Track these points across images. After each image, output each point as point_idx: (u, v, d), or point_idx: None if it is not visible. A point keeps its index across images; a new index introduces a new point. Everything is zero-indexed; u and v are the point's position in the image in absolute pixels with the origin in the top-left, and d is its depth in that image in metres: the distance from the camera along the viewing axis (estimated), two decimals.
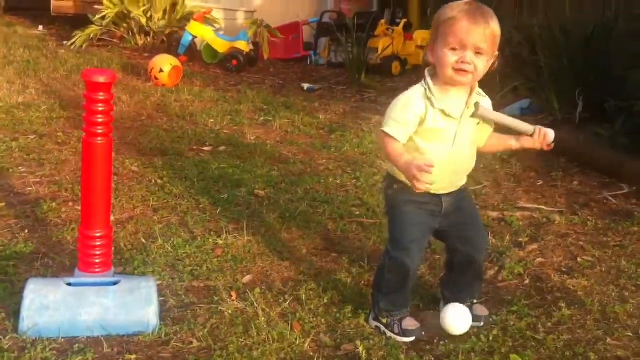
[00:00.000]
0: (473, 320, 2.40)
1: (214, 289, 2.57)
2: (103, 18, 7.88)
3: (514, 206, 3.65)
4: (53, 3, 10.33)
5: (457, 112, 2.21)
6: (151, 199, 3.39)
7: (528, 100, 5.79)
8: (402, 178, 2.22)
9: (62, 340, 2.14)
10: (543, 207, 3.65)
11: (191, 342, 2.21)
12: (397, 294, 2.35)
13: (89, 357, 2.08)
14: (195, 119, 5.14)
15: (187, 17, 7.91)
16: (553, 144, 2.29)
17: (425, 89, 2.21)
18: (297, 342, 2.24)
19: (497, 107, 2.36)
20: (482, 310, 2.45)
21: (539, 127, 2.29)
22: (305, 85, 6.97)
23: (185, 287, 2.57)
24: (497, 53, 2.20)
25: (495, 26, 2.14)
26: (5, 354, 2.05)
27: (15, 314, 2.19)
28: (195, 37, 7.59)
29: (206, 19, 7.74)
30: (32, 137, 4.22)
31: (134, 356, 2.11)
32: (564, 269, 2.94)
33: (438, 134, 2.22)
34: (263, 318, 2.36)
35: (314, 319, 2.40)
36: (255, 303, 2.45)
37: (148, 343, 2.18)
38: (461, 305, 2.35)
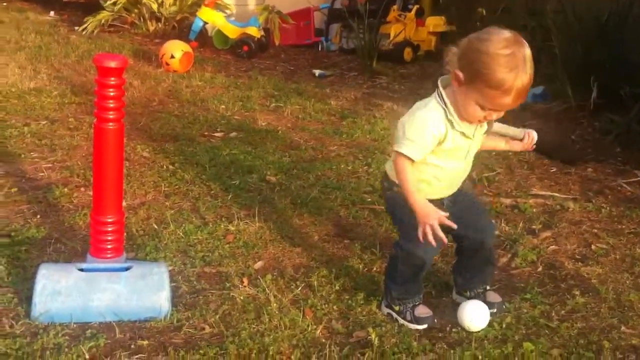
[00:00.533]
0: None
1: (225, 275, 2.56)
2: (114, 4, 7.86)
3: (527, 193, 3.62)
4: None
5: (471, 132, 2.19)
6: (163, 184, 3.38)
7: (541, 87, 5.73)
8: None
9: (75, 325, 2.15)
10: (557, 194, 3.62)
11: (203, 328, 2.21)
12: (411, 283, 2.34)
13: (101, 343, 2.08)
14: (207, 104, 5.12)
15: (198, 3, 7.86)
16: (535, 145, 2.38)
17: (445, 111, 2.13)
18: (309, 328, 2.24)
19: None
20: (495, 297, 2.44)
21: (526, 130, 2.37)
22: (317, 72, 6.92)
23: (197, 273, 2.57)
24: None
25: (531, 74, 2.04)
26: (18, 339, 2.06)
27: (28, 299, 2.19)
28: (206, 23, 7.55)
29: (217, 5, 7.69)
30: (43, 123, 4.22)
31: (146, 342, 2.12)
32: (577, 257, 2.91)
33: (454, 153, 2.20)
34: (275, 304, 2.35)
35: (326, 305, 2.39)
36: (267, 289, 2.44)
37: (160, 329, 2.18)
38: (479, 301, 2.33)
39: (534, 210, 3.39)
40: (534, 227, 3.18)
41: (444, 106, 2.13)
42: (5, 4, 10.49)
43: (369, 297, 2.45)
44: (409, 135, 2.12)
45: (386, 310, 2.38)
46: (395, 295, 2.34)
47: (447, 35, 7.62)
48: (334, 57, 8.07)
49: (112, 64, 2.17)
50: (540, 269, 2.79)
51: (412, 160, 2.13)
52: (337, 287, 2.51)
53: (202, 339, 2.15)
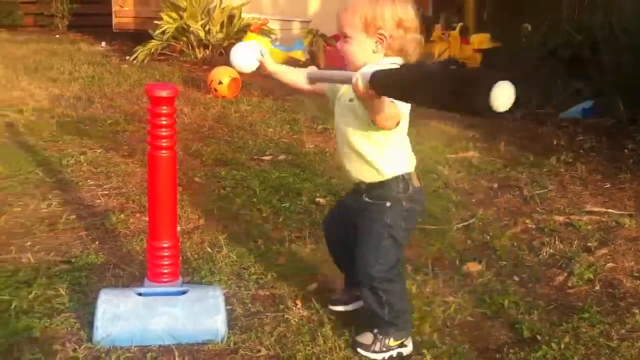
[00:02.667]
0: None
1: (279, 297, 2.59)
2: (163, 33, 8.07)
3: (581, 210, 3.57)
4: (114, 20, 10.64)
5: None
6: (215, 209, 3.44)
7: (591, 101, 5.65)
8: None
9: (135, 349, 2.19)
10: (611, 210, 3.56)
11: (259, 350, 2.23)
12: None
13: None
14: (255, 129, 5.20)
15: (244, 29, 8.02)
16: (371, 90, 1.81)
17: None
18: None
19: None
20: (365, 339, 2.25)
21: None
22: None
23: (251, 295, 2.60)
24: (383, 33, 2.06)
25: (363, 8, 2.05)
26: None
27: (89, 323, 2.25)
28: None
29: (263, 30, 7.83)
30: (99, 151, 4.35)
31: None
32: (636, 274, 2.85)
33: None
34: (329, 326, 2.36)
35: None
36: (320, 311, 2.45)
37: (218, 351, 2.21)
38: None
39: (589, 227, 3.33)
40: (589, 244, 3.13)
41: None
42: (58, 36, 10.86)
43: (421, 318, 2.44)
44: None
45: None
46: None
47: (492, 52, 7.59)
48: None
49: (164, 94, 2.22)
50: (597, 287, 2.74)
51: None
52: None
53: None
